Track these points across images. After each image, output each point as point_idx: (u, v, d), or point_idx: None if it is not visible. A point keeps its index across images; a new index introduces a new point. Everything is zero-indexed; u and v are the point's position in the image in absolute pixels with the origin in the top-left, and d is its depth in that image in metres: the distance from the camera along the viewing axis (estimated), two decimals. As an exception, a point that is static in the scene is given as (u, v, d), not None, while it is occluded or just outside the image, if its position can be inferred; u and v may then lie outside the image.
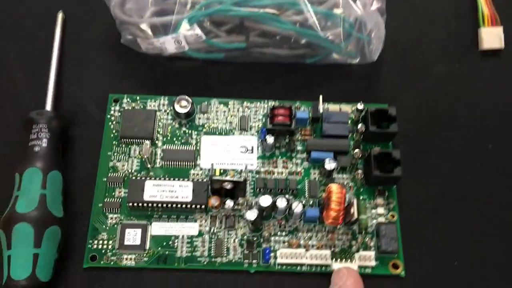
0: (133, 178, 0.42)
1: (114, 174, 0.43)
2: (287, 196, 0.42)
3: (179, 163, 0.43)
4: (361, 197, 0.42)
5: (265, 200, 0.40)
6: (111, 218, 0.41)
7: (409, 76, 0.48)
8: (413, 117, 0.46)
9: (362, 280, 0.38)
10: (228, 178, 0.40)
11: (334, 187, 0.39)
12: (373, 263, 0.40)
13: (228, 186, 0.40)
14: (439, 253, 0.41)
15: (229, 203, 0.41)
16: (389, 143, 0.44)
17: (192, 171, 0.43)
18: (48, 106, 0.43)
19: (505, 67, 0.49)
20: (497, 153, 0.45)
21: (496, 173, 0.44)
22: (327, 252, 0.40)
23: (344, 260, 0.40)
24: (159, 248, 0.40)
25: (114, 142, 0.44)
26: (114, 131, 0.44)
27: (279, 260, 0.40)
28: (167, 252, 0.40)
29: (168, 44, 0.44)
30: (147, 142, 0.42)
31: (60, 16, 0.48)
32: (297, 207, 0.40)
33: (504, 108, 0.47)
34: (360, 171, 0.42)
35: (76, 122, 0.45)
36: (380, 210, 0.42)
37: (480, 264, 0.41)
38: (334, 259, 0.40)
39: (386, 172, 0.41)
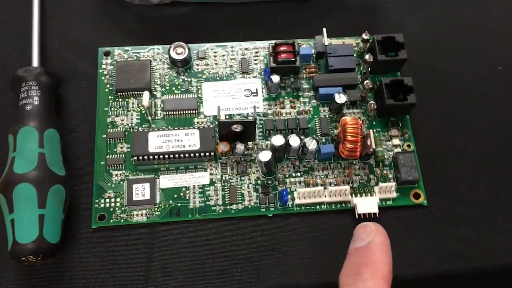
0: (135, 131, 0.40)
1: (114, 130, 0.40)
2: (299, 135, 0.40)
3: (182, 112, 0.41)
4: (374, 130, 0.41)
5: (278, 140, 0.38)
6: (116, 175, 0.39)
7: (411, 4, 0.46)
8: (419, 43, 0.44)
9: None
10: (236, 120, 0.38)
11: (348, 119, 0.38)
12: (394, 194, 0.39)
13: (238, 128, 0.38)
14: (459, 179, 0.40)
15: (240, 146, 0.39)
16: (397, 72, 0.43)
17: (196, 120, 0.41)
18: (35, 63, 0.40)
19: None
20: (507, 73, 0.44)
21: (508, 92, 0.43)
22: (346, 188, 0.38)
23: (364, 194, 0.39)
24: (170, 201, 0.38)
25: (109, 97, 0.41)
26: (108, 86, 0.42)
27: (297, 201, 0.38)
28: (179, 204, 0.38)
29: (157, -13, 0.42)
30: (146, 92, 0.40)
31: (36, -30, 0.45)
32: (312, 144, 0.38)
33: (508, 29, 0.46)
34: (373, 102, 0.40)
35: (67, 80, 0.42)
36: (396, 141, 0.41)
37: (501, 185, 0.40)
38: (353, 195, 0.39)
39: (399, 101, 0.39)
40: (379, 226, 0.33)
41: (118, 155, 0.39)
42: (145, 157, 0.38)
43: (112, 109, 0.41)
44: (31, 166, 0.35)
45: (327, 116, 0.41)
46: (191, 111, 0.41)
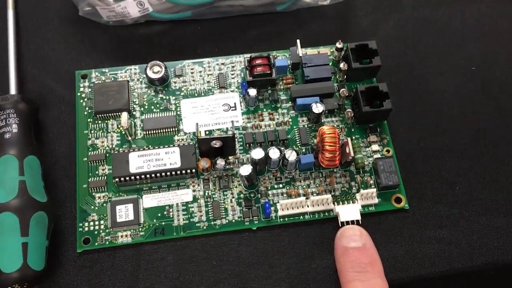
0: (116, 152, 0.40)
1: (95, 152, 0.40)
2: (278, 146, 0.40)
3: (161, 130, 0.41)
4: (353, 137, 0.41)
5: (257, 153, 0.38)
6: (99, 198, 0.39)
7: (383, 9, 0.47)
8: (393, 50, 0.45)
9: None
10: (215, 135, 0.38)
11: (325, 128, 0.38)
12: (375, 200, 0.39)
13: (217, 144, 0.38)
14: (440, 181, 0.41)
15: (220, 162, 0.39)
16: (373, 79, 0.43)
17: (176, 137, 0.41)
18: (12, 90, 0.40)
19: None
20: (481, 73, 0.44)
21: (482, 92, 0.44)
22: (328, 196, 0.38)
23: (346, 202, 0.39)
24: (154, 220, 0.38)
25: (89, 120, 0.41)
26: (87, 108, 0.42)
27: (280, 213, 0.39)
28: (163, 223, 0.38)
29: (131, 8, 0.42)
30: (125, 112, 0.40)
31: (10, -3, 0.45)
32: (291, 155, 0.38)
33: (481, 28, 0.46)
34: (350, 110, 0.41)
35: (46, 105, 0.42)
36: (375, 147, 0.41)
37: (481, 185, 0.40)
38: (336, 203, 0.39)
39: (376, 107, 0.40)
40: (360, 228, 0.37)
41: (100, 177, 0.40)
42: (127, 178, 0.39)
43: (92, 131, 0.41)
44: (12, 195, 0.35)
45: (306, 126, 0.42)
46: (171, 129, 0.41)
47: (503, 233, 0.39)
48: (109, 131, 0.41)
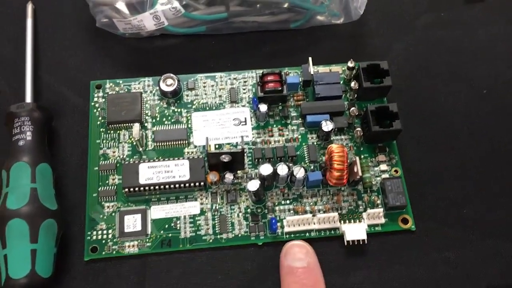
0: (126, 163, 0.40)
1: (106, 162, 0.41)
2: (287, 163, 0.40)
3: (172, 143, 0.42)
4: (362, 156, 0.41)
5: (266, 169, 0.38)
6: (108, 207, 0.39)
7: (395, 30, 0.47)
8: (404, 70, 0.45)
9: None
10: (225, 150, 0.39)
11: (334, 147, 0.38)
12: (382, 220, 0.39)
13: (226, 158, 0.38)
14: (447, 203, 0.40)
15: (229, 176, 0.39)
16: (383, 98, 0.43)
17: (186, 150, 0.42)
18: (28, 98, 0.41)
19: (489, 12, 0.48)
20: (492, 96, 0.44)
21: (493, 115, 0.44)
22: (335, 214, 0.39)
23: (352, 221, 0.39)
24: (162, 232, 0.39)
25: (101, 129, 0.42)
26: (100, 118, 0.42)
27: (286, 229, 0.39)
28: (170, 235, 0.39)
29: (147, 21, 0.42)
30: (137, 124, 0.41)
31: (29, 7, 0.46)
32: (299, 172, 0.39)
33: (493, 50, 0.47)
34: (359, 129, 0.41)
35: (60, 113, 0.43)
36: (383, 167, 0.41)
37: (488, 208, 0.40)
38: (342, 221, 0.39)
39: (385, 127, 0.40)
40: (309, 246, 0.37)
41: (110, 187, 0.40)
42: (136, 189, 0.39)
43: (104, 141, 0.42)
44: (23, 201, 0.36)
45: (315, 143, 0.42)
46: (181, 142, 0.42)
47: (510, 258, 0.39)
48: (120, 141, 0.42)
